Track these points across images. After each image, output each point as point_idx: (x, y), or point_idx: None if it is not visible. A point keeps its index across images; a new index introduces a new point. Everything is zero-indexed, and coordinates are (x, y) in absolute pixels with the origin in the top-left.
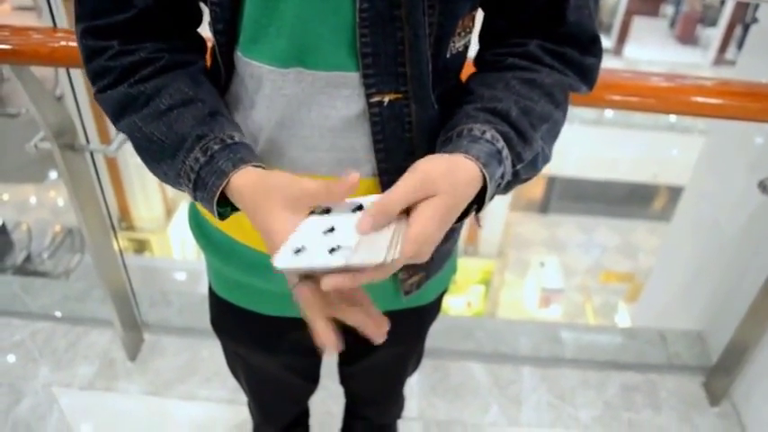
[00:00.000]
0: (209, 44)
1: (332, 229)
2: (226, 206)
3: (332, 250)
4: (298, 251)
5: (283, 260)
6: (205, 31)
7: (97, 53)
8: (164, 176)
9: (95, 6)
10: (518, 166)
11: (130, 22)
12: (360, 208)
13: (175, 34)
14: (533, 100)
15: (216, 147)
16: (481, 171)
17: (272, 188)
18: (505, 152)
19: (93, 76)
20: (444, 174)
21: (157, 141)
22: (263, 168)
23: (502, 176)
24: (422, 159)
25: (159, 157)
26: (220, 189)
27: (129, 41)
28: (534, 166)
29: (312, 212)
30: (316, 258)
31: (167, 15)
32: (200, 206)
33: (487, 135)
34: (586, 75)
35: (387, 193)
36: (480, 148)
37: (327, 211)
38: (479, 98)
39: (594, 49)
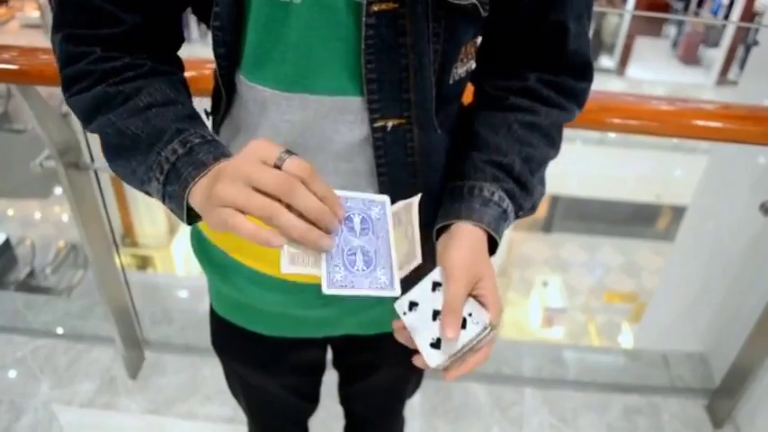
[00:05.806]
0: (212, 66)
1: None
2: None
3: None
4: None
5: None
6: (209, 53)
7: (77, 58)
8: (130, 173)
9: (79, 18)
10: (519, 213)
11: (117, 35)
12: (437, 285)
13: (157, 50)
14: (533, 145)
15: (196, 140)
16: (492, 235)
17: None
18: (510, 208)
19: (70, 81)
20: (475, 261)
21: (131, 135)
22: None
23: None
24: (448, 261)
25: (131, 152)
26: (197, 180)
27: (113, 50)
28: (533, 208)
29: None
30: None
31: (154, 34)
32: (202, 225)
33: (495, 197)
34: (579, 98)
35: (450, 300)
36: (491, 214)
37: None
38: (485, 146)
39: (588, 74)
